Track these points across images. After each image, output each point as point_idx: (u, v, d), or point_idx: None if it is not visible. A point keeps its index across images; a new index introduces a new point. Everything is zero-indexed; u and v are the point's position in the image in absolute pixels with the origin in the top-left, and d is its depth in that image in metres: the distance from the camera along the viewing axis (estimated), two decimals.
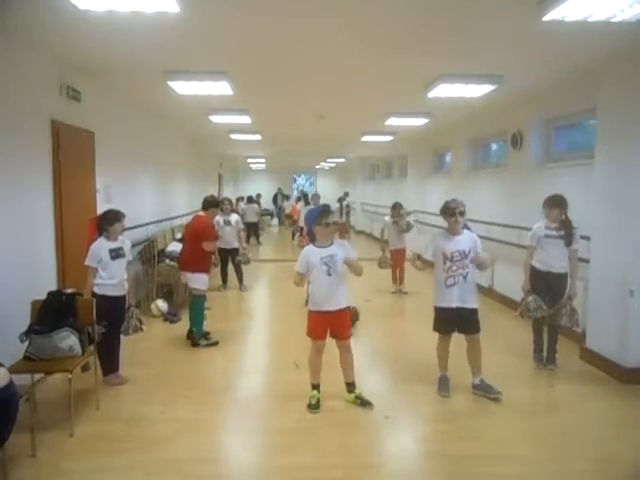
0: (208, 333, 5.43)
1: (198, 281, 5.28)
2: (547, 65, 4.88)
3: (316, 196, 9.80)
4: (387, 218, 8.25)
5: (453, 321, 3.99)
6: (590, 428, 3.56)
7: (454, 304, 3.92)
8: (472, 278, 3.94)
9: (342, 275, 3.75)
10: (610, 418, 3.70)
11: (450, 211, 3.94)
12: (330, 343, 3.87)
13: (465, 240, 3.94)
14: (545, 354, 4.69)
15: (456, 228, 3.96)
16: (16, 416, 2.64)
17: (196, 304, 5.35)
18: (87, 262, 4.02)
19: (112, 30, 3.80)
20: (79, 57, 4.58)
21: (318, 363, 3.85)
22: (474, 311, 3.98)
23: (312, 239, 3.97)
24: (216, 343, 5.33)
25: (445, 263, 3.92)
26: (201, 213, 5.61)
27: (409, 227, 7.92)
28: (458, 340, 4.12)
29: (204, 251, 5.23)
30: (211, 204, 5.58)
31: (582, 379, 4.39)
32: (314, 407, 3.73)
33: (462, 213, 3.94)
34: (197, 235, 5.24)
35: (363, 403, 3.85)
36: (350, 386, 3.93)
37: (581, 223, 4.61)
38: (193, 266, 5.24)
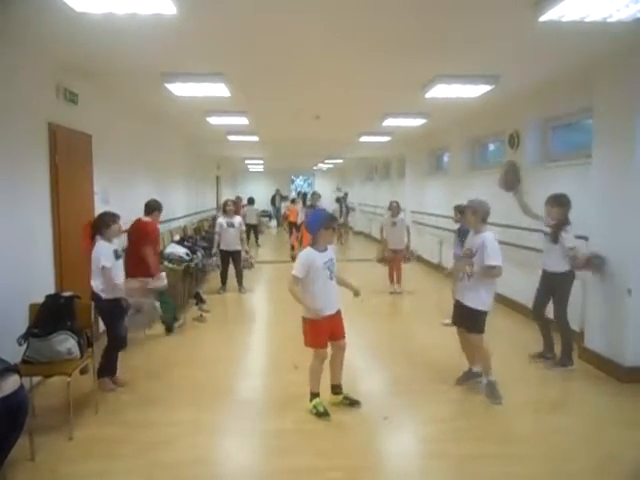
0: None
1: (156, 280, 5.25)
2: (544, 65, 4.89)
3: (316, 195, 9.73)
4: (385, 217, 8.25)
5: (455, 314, 4.19)
6: (590, 427, 3.56)
7: (456, 296, 4.15)
8: (477, 278, 3.88)
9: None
10: (610, 417, 3.71)
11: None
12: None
13: (477, 239, 3.94)
14: (556, 354, 4.69)
15: (468, 225, 4.19)
16: (24, 422, 2.60)
17: (165, 298, 5.67)
18: (104, 263, 3.92)
19: (109, 32, 3.79)
20: (76, 59, 4.58)
21: (321, 371, 3.74)
22: (469, 310, 3.96)
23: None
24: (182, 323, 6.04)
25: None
26: (145, 218, 5.62)
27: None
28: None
29: (156, 252, 5.38)
30: (154, 208, 5.64)
31: (581, 378, 4.40)
32: (325, 414, 3.60)
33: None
34: (141, 237, 5.34)
35: (352, 403, 3.82)
36: (337, 388, 3.88)
37: (579, 222, 4.63)
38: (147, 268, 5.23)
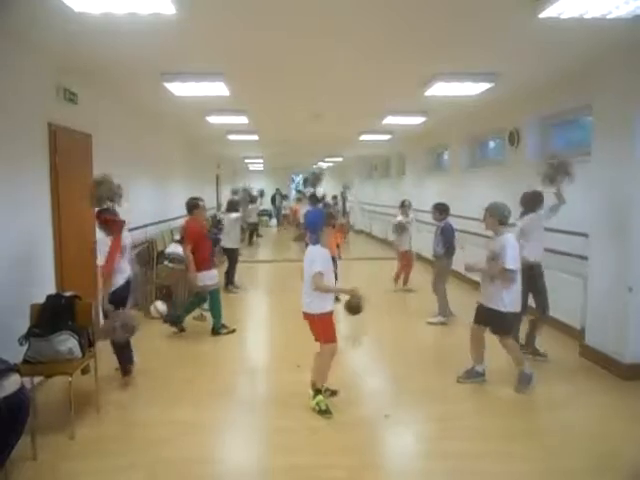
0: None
1: (206, 278, 5.61)
2: (543, 62, 4.88)
3: (316, 176, 9.56)
4: (399, 218, 7.91)
5: (479, 314, 4.15)
6: (591, 424, 3.57)
7: (480, 300, 4.14)
8: (500, 281, 3.92)
9: None
10: (610, 414, 3.71)
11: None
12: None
13: (498, 242, 3.99)
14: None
15: (487, 228, 4.14)
16: (25, 422, 2.60)
17: (216, 297, 5.80)
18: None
19: (108, 32, 3.79)
20: (75, 59, 4.57)
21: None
22: (493, 312, 3.99)
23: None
24: (233, 330, 5.77)
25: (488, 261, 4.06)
26: (188, 218, 5.85)
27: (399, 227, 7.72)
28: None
29: (202, 250, 5.53)
30: (191, 206, 5.73)
31: (582, 376, 4.41)
32: (327, 411, 3.63)
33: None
34: (183, 237, 5.76)
35: (333, 393, 3.87)
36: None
37: (579, 220, 4.64)
38: (200, 265, 5.54)
